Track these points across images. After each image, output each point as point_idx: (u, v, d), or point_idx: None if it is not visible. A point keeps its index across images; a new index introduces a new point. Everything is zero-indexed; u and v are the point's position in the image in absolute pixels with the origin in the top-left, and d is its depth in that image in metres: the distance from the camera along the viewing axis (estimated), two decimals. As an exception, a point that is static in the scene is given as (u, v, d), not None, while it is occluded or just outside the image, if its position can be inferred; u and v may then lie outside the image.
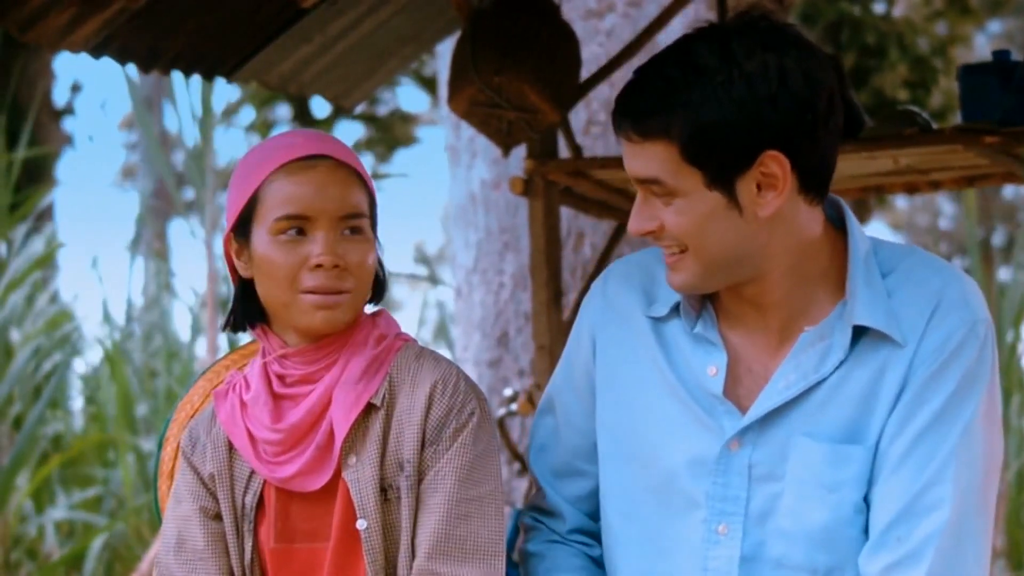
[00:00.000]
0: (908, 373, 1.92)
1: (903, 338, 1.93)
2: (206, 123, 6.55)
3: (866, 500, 1.94)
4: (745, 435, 1.97)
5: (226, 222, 2.09)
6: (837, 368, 1.94)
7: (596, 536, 2.15)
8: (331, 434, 2.03)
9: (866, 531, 1.93)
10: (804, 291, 1.98)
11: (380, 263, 2.13)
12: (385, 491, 2.03)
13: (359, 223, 2.03)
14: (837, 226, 2.01)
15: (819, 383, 1.95)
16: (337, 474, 2.03)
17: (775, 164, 1.88)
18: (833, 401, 1.94)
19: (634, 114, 1.92)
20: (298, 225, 2.00)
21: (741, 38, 1.89)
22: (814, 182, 1.94)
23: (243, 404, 2.08)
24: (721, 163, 1.88)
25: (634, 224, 1.97)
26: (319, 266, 1.99)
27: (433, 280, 10.25)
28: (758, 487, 1.96)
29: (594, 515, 2.15)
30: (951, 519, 1.87)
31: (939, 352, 1.92)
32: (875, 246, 2.00)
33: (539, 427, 2.19)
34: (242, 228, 2.05)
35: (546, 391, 2.20)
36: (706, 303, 2.04)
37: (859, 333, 1.94)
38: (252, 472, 2.08)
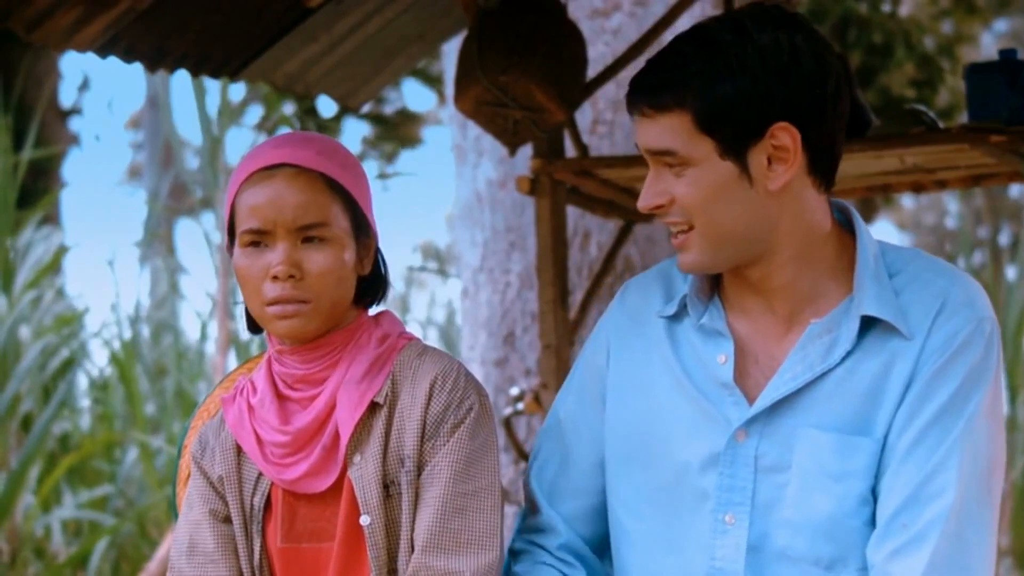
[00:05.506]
0: (915, 368, 1.95)
1: (910, 332, 1.95)
2: (222, 122, 6.54)
3: (873, 493, 1.96)
4: (752, 426, 1.99)
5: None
6: (844, 359, 1.96)
7: (584, 559, 2.15)
8: (336, 435, 2.04)
9: (871, 523, 1.95)
10: (810, 281, 2.00)
11: (381, 263, 2.14)
12: (388, 487, 2.04)
13: (319, 232, 2.02)
14: (846, 228, 2.05)
15: (826, 374, 1.97)
16: (343, 473, 2.05)
17: (786, 136, 1.93)
18: (840, 393, 1.96)
19: (649, 89, 1.96)
20: (257, 239, 2.02)
21: (754, 18, 1.95)
22: (822, 164, 1.98)
23: (250, 408, 2.10)
24: (734, 133, 1.93)
25: (644, 199, 2.00)
26: (276, 277, 2.01)
27: (443, 272, 10.20)
28: (764, 478, 1.98)
29: (587, 538, 2.15)
30: (954, 506, 1.90)
31: (945, 348, 1.95)
32: (882, 249, 2.04)
33: (542, 447, 2.19)
34: (231, 238, 2.08)
35: (551, 412, 2.21)
36: (713, 295, 2.06)
37: (866, 326, 1.97)
38: (260, 474, 2.10)
